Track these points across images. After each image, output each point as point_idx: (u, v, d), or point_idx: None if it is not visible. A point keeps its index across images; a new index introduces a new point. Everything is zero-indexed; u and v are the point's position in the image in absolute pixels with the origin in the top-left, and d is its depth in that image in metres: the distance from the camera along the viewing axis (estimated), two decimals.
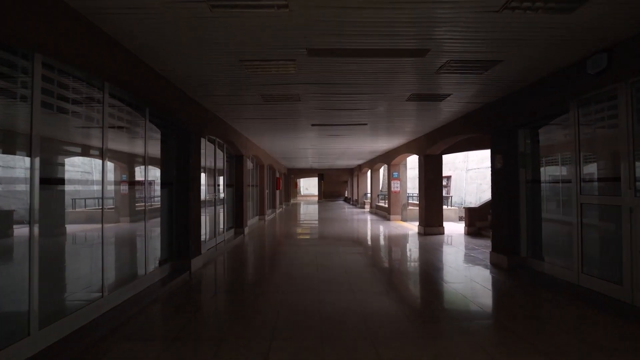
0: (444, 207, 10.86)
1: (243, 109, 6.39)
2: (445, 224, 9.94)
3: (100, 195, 3.59)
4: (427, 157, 9.59)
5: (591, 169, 4.34)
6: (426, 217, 9.56)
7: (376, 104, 6.11)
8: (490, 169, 6.14)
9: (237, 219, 9.55)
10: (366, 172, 21.47)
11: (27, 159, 2.62)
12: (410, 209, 13.44)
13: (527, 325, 3.29)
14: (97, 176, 3.58)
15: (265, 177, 14.04)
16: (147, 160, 4.54)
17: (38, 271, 2.66)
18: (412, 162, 21.30)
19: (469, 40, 3.49)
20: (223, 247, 7.55)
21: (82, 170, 3.55)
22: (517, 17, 2.97)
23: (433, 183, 9.65)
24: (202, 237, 6.34)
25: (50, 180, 3.01)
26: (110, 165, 4.10)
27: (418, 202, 10.77)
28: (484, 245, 7.64)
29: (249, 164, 11.47)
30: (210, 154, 7.39)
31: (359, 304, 3.90)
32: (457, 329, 3.23)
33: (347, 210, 19.65)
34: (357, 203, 22.97)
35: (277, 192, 18.09)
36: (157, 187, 5.03)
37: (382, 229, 11.09)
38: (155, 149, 4.92)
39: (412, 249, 7.67)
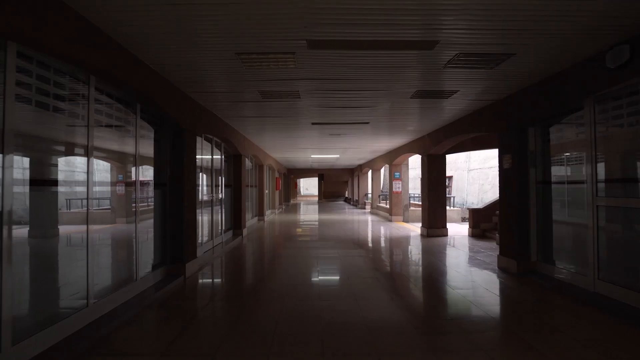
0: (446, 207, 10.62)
1: (241, 106, 6.15)
2: (447, 225, 9.70)
3: (96, 197, 3.36)
4: (431, 157, 9.35)
5: (608, 169, 4.10)
6: (429, 219, 9.32)
7: (379, 102, 5.87)
8: (494, 168, 5.92)
9: (235, 220, 9.30)
10: (367, 172, 21.21)
11: None
12: (412, 210, 13.20)
13: (545, 338, 3.04)
14: (82, 176, 3.34)
15: (264, 177, 13.81)
16: (137, 160, 4.30)
17: (11, 278, 2.42)
18: (414, 162, 21.12)
19: (480, 31, 3.25)
20: (221, 249, 7.29)
21: (69, 170, 3.31)
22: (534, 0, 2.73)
23: (436, 184, 9.40)
24: (199, 240, 6.10)
25: (36, 182, 2.78)
26: (106, 164, 3.88)
27: (420, 203, 10.53)
28: (490, 248, 7.40)
29: (248, 164, 11.23)
30: (207, 154, 7.15)
31: (361, 313, 3.66)
32: (469, 342, 2.98)
33: (348, 210, 19.41)
34: (358, 204, 22.71)
35: (277, 192, 17.86)
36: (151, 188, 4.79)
37: (384, 230, 10.84)
38: (147, 148, 4.68)
39: (416, 251, 7.42)
